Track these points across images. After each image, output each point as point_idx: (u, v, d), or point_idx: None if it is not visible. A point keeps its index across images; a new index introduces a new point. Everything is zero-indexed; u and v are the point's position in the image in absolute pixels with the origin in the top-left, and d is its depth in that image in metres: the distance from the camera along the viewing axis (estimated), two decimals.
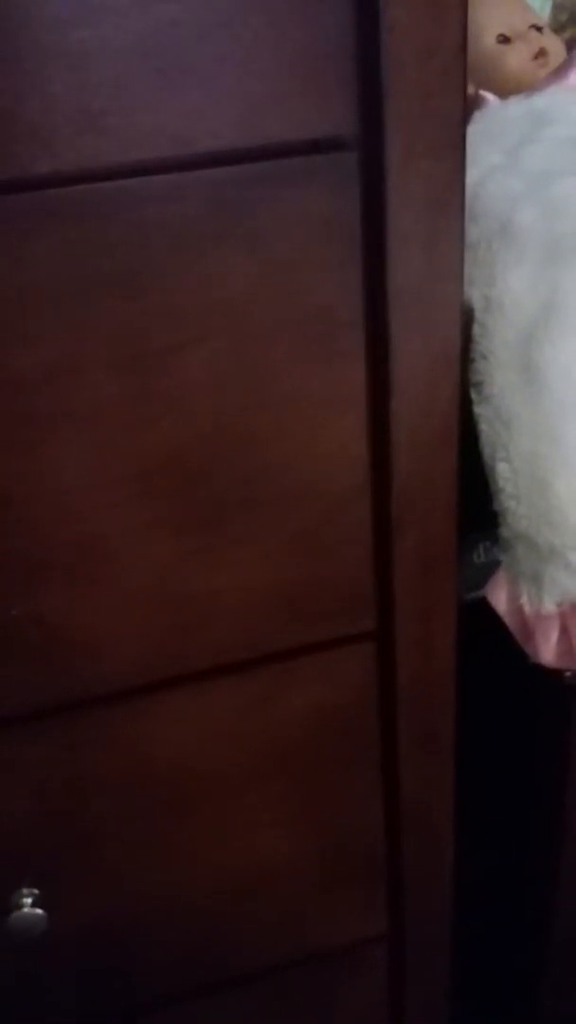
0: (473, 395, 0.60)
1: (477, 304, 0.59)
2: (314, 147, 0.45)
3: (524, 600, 0.59)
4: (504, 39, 0.84)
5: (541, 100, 0.72)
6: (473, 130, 0.70)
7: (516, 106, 0.73)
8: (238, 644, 0.57)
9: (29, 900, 0.59)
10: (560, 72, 0.79)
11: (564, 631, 0.57)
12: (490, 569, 0.65)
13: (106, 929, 0.65)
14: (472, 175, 0.65)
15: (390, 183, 0.46)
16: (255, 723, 0.60)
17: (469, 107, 0.78)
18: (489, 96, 0.77)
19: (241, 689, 0.58)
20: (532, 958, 0.85)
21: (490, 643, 0.66)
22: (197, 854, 0.64)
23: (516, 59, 0.83)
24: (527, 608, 0.59)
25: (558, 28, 0.94)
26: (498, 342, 0.58)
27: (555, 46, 0.86)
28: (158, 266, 0.45)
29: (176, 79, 0.42)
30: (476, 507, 0.63)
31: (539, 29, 0.86)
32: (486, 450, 0.59)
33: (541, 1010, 0.85)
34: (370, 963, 0.75)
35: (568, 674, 0.59)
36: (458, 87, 0.46)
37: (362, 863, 0.69)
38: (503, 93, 0.80)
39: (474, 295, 0.60)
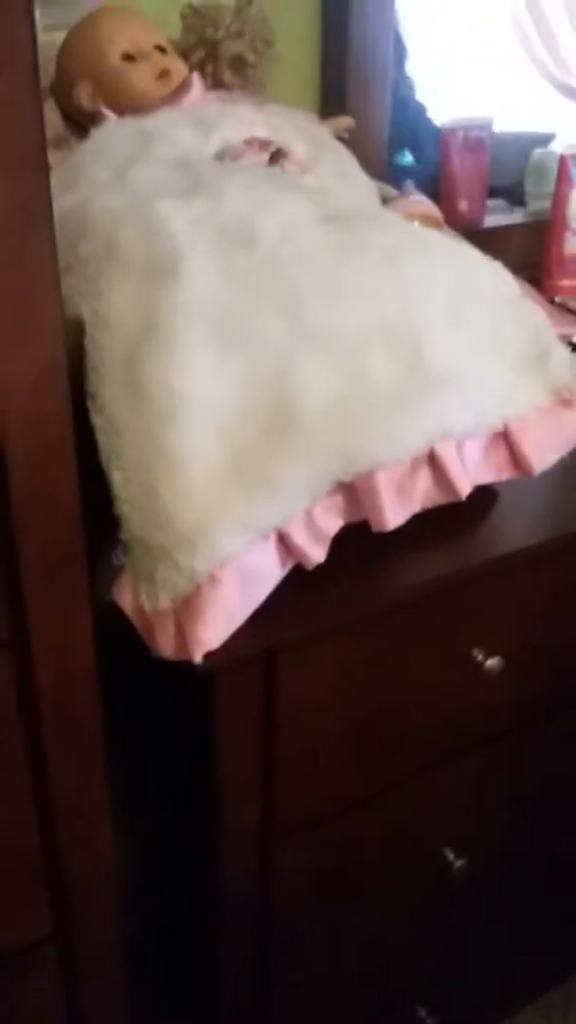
0: (89, 405, 0.62)
1: (88, 318, 0.62)
2: None
3: (144, 598, 0.62)
4: (129, 57, 0.87)
5: (151, 120, 0.76)
6: (86, 147, 0.73)
7: (128, 125, 0.76)
8: None
9: None
10: (176, 93, 0.82)
11: (178, 626, 0.61)
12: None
13: None
14: (82, 192, 0.68)
15: None
16: None
17: (91, 123, 0.80)
18: (109, 113, 0.79)
19: None
20: (208, 951, 0.87)
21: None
22: None
23: (140, 77, 0.86)
24: (147, 606, 0.62)
25: (187, 50, 0.97)
26: (107, 355, 0.61)
27: (178, 68, 0.90)
28: None
29: None
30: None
31: (163, 50, 0.90)
32: (103, 458, 0.62)
33: (221, 997, 0.89)
34: (41, 964, 0.75)
35: (198, 663, 0.62)
36: (33, 106, 0.47)
37: (19, 863, 0.69)
38: (127, 110, 0.83)
39: (85, 310, 0.62)
